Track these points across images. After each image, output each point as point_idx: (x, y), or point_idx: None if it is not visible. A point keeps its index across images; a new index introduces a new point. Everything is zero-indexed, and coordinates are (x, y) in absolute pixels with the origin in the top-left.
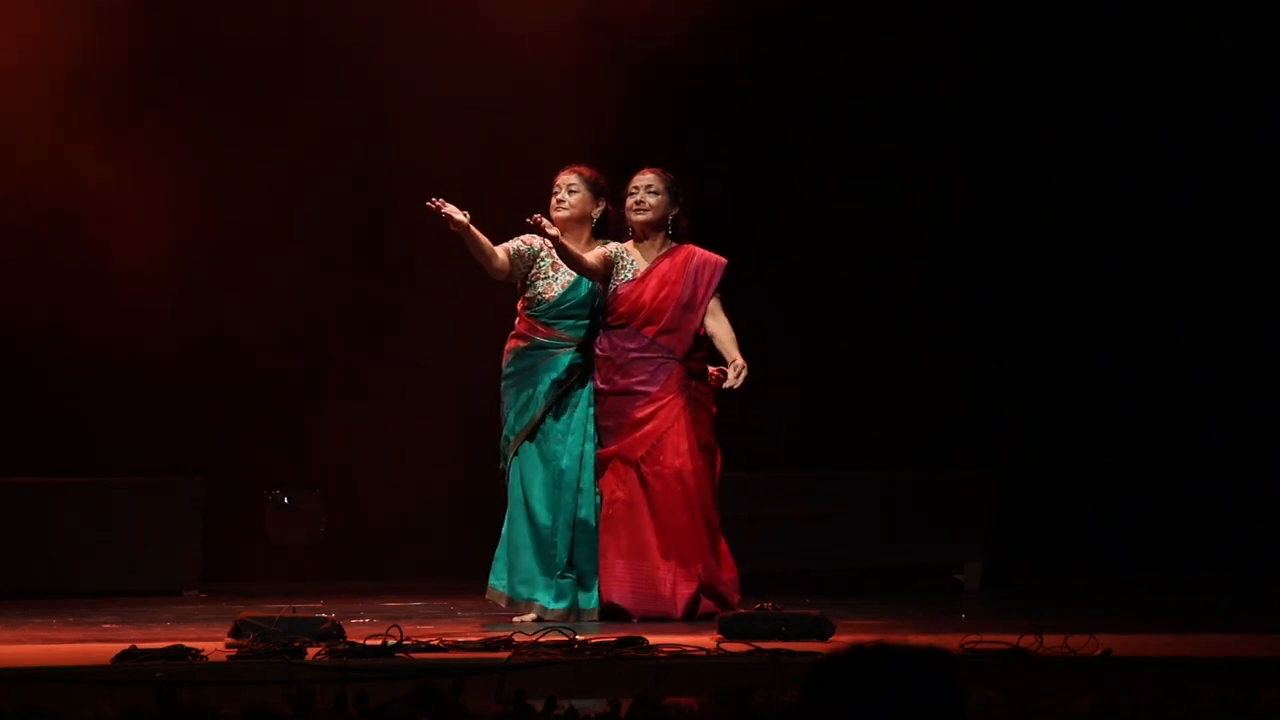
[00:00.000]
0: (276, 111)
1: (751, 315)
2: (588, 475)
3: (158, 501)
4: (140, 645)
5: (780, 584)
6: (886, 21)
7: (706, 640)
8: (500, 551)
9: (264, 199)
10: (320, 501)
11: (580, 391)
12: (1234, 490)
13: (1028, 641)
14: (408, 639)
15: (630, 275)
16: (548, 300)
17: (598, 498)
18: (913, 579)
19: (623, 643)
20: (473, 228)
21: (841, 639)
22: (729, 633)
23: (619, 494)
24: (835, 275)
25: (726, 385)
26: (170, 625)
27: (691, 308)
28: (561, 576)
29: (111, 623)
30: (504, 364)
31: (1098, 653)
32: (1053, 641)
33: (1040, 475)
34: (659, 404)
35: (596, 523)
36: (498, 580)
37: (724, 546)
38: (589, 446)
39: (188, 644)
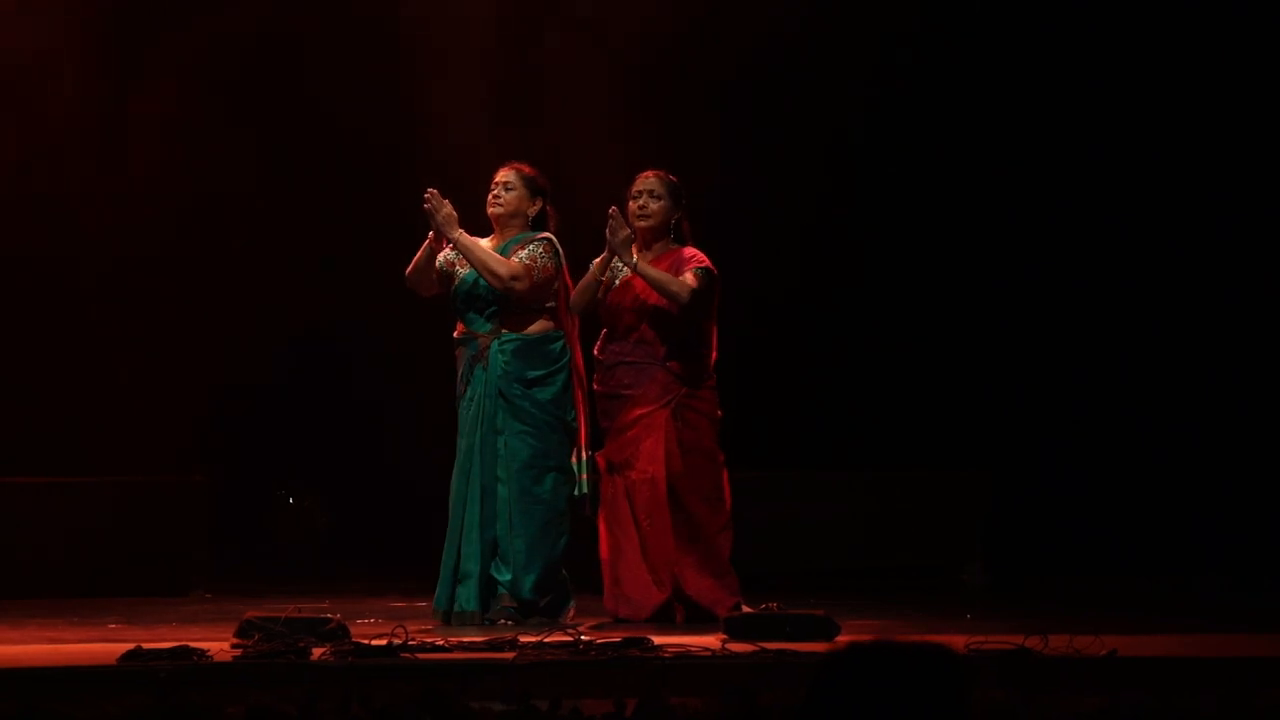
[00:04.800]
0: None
1: (751, 316)
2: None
3: (163, 501)
4: (146, 645)
5: (780, 585)
6: (888, 16)
7: (712, 640)
8: None
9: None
10: (326, 501)
11: (477, 414)
12: (1237, 490)
13: (1033, 642)
14: (412, 639)
15: (617, 281)
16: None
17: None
18: (917, 579)
19: (628, 643)
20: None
21: (847, 639)
22: (734, 633)
23: (609, 495)
24: (836, 275)
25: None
26: (176, 625)
27: (667, 311)
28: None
29: (117, 623)
30: None
31: (1103, 653)
32: (1058, 642)
33: (1046, 475)
34: (645, 410)
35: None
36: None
37: (720, 554)
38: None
39: (193, 644)
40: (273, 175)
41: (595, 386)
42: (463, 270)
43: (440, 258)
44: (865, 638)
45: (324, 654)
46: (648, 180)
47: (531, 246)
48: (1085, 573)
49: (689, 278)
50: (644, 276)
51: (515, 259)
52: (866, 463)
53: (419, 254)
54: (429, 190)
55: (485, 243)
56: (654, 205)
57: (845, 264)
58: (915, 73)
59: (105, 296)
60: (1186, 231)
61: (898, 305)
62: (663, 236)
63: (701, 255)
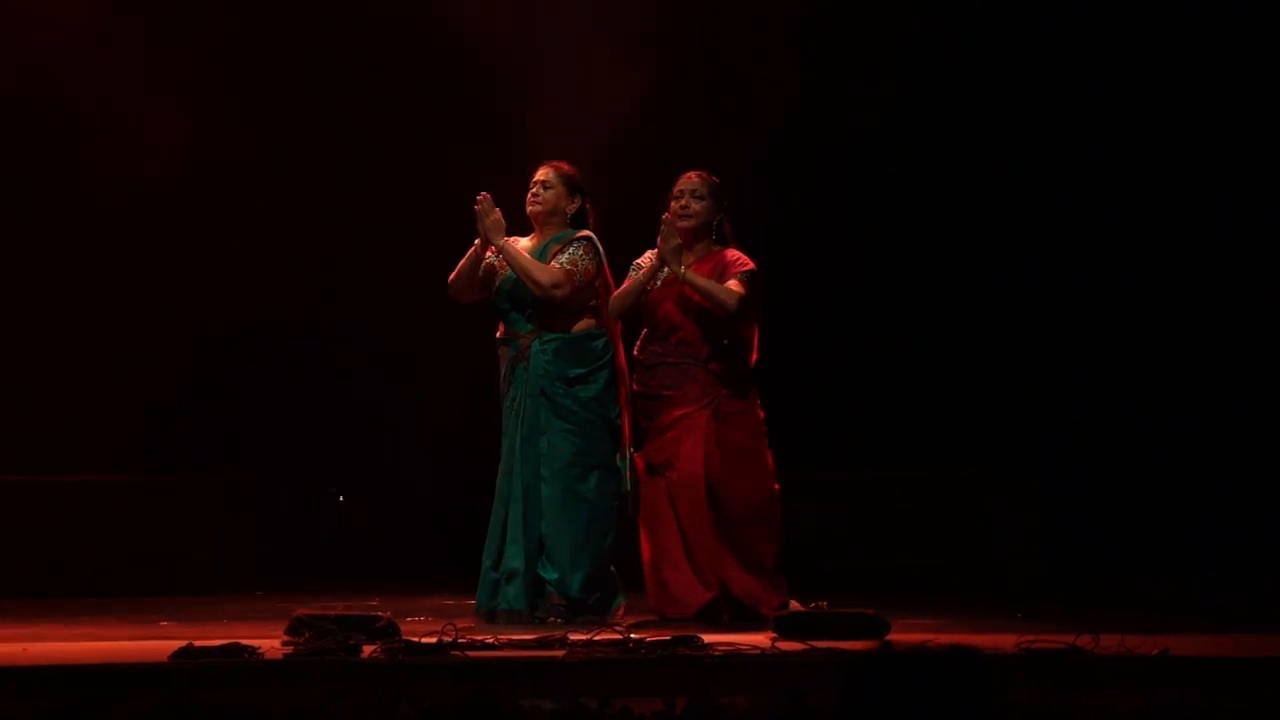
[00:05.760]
0: None
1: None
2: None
3: (215, 499)
4: (197, 643)
5: (818, 584)
6: (888, 16)
7: (762, 639)
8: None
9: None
10: (376, 499)
11: (520, 413)
12: (1237, 490)
13: (1084, 641)
14: (462, 637)
15: (659, 283)
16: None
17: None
18: (916, 579)
19: (677, 641)
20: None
21: (899, 638)
22: (784, 631)
23: (649, 496)
24: (836, 275)
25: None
26: (227, 623)
27: (710, 313)
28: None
29: (168, 620)
30: None
31: (1154, 652)
32: (1109, 641)
33: (1045, 475)
34: (685, 411)
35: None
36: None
37: (764, 553)
38: (524, 472)
39: (244, 641)
40: (273, 175)
41: (635, 387)
42: (504, 271)
43: (484, 262)
44: (920, 638)
45: (374, 652)
46: (690, 181)
47: (571, 249)
48: (1085, 573)
49: (734, 284)
50: (692, 285)
51: (555, 263)
52: (867, 463)
53: (464, 260)
54: (480, 194)
55: (525, 242)
56: (696, 205)
57: (845, 264)
58: (915, 73)
59: (105, 296)
60: (1186, 232)
61: (898, 305)
62: (704, 237)
63: (745, 258)
